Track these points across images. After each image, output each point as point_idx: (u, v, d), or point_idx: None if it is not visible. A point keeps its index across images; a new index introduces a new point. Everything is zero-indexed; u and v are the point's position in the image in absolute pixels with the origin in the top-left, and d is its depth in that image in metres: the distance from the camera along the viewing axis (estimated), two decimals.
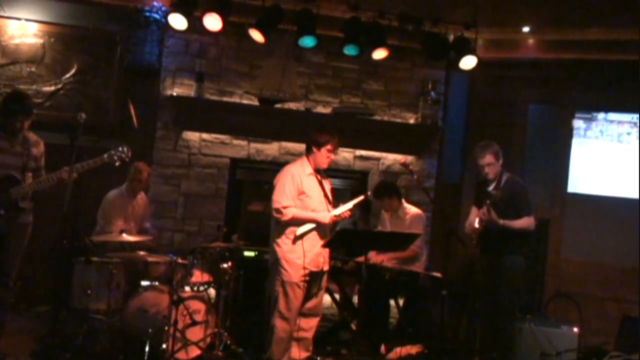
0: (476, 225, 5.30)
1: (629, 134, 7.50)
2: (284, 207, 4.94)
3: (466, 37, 6.69)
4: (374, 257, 5.88)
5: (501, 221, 5.12)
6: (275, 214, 4.98)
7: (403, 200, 6.21)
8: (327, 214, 5.06)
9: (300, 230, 4.99)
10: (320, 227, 5.07)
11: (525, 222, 5.23)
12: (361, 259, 5.78)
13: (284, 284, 4.99)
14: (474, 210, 5.51)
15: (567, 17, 6.64)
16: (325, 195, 5.17)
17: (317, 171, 5.18)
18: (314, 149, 5.12)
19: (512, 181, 5.31)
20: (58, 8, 6.83)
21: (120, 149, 4.91)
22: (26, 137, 4.88)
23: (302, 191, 5.03)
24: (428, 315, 6.16)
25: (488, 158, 5.29)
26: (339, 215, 5.06)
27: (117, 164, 4.92)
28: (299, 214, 4.98)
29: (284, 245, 5.02)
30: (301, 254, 4.98)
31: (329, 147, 5.10)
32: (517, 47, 7.28)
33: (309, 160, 5.16)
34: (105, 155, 4.87)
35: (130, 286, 5.35)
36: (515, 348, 5.54)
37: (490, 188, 5.34)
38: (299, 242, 4.99)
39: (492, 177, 5.35)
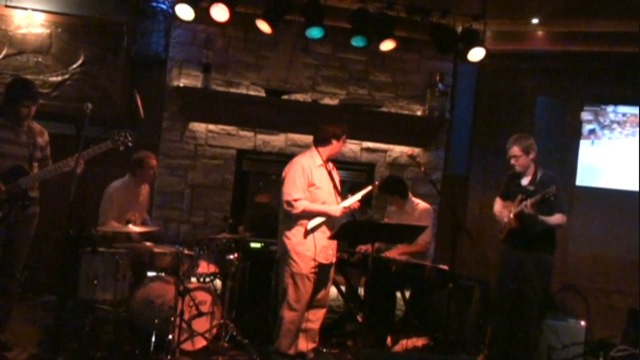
0: (505, 219, 5.27)
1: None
2: (295, 200, 4.91)
3: (474, 29, 6.66)
4: (388, 253, 5.88)
5: (540, 217, 5.09)
6: (286, 207, 4.95)
7: (410, 195, 6.17)
8: (337, 206, 5.04)
9: (312, 224, 4.96)
10: (329, 220, 5.05)
11: (559, 219, 5.19)
12: (366, 247, 5.81)
13: (294, 276, 4.97)
14: (499, 201, 5.48)
15: (576, 9, 6.60)
16: (335, 187, 5.15)
17: (326, 162, 5.17)
18: (334, 141, 5.12)
19: (548, 177, 5.26)
20: None
21: (123, 133, 4.90)
22: (30, 127, 4.87)
23: (312, 183, 5.00)
24: (434, 307, 6.15)
25: (514, 150, 5.28)
26: (348, 207, 5.05)
27: (121, 149, 4.91)
28: (310, 206, 4.95)
29: (294, 238, 4.99)
30: (311, 246, 4.96)
31: (344, 137, 5.18)
32: (525, 39, 7.24)
33: (318, 151, 5.13)
34: (110, 141, 4.85)
35: (137, 277, 5.34)
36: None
37: (525, 183, 5.31)
38: (309, 235, 4.98)
39: (519, 169, 5.33)
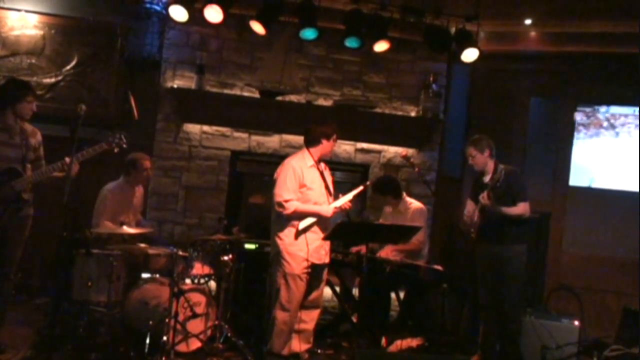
0: (475, 218, 5.33)
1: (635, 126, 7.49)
2: (286, 201, 4.93)
3: (468, 30, 6.67)
4: (381, 252, 5.89)
5: (498, 207, 5.17)
6: (277, 208, 4.97)
7: (404, 195, 6.19)
8: (329, 207, 5.06)
9: (303, 224, 4.99)
10: (321, 220, 5.07)
11: (520, 209, 5.28)
12: (360, 248, 5.82)
13: (286, 276, 4.99)
14: (469, 203, 5.54)
15: (570, 10, 6.62)
16: (327, 187, 5.16)
17: (318, 163, 5.18)
18: (324, 141, 5.16)
19: (508, 171, 5.33)
20: None
21: (117, 135, 4.89)
22: (23, 128, 4.86)
23: (304, 184, 5.03)
24: (429, 308, 6.16)
25: (469, 150, 5.44)
26: (340, 207, 5.07)
27: (115, 150, 4.90)
28: (302, 207, 4.98)
29: (286, 238, 5.01)
30: (303, 246, 4.98)
31: (335, 136, 5.21)
32: (519, 39, 7.26)
33: (310, 152, 5.15)
34: (104, 143, 4.85)
35: (131, 278, 5.33)
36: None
37: (487, 180, 5.37)
38: (300, 235, 4.99)
39: (478, 169, 5.47)
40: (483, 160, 5.41)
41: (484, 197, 5.15)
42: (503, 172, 5.19)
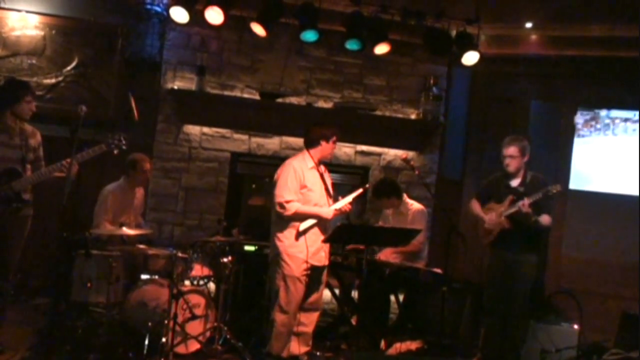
0: (494, 220, 5.26)
1: (634, 130, 7.48)
2: (287, 202, 4.93)
3: (469, 33, 6.68)
4: (382, 255, 5.89)
5: (535, 217, 5.08)
6: (278, 209, 4.97)
7: (405, 196, 6.19)
8: (329, 209, 5.05)
9: (303, 225, 4.98)
10: (321, 222, 5.06)
11: (548, 220, 5.19)
12: (355, 246, 5.82)
13: (286, 278, 4.98)
14: (477, 203, 5.48)
15: (570, 14, 6.63)
16: (326, 189, 5.16)
17: (318, 165, 5.18)
18: (323, 143, 5.14)
19: (539, 179, 5.25)
20: (59, 0, 6.81)
21: (117, 137, 4.89)
22: (23, 128, 4.87)
23: (304, 185, 5.02)
24: (428, 311, 6.15)
25: (512, 150, 5.23)
26: (340, 209, 5.07)
27: (115, 152, 4.90)
28: (302, 208, 4.97)
29: (286, 240, 5.01)
30: (303, 248, 4.97)
31: (334, 138, 5.18)
32: (519, 43, 7.27)
33: (310, 154, 5.15)
34: (104, 144, 4.85)
35: (130, 279, 5.33)
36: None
37: (515, 184, 5.29)
38: (301, 237, 4.99)
39: (511, 170, 5.27)
40: (520, 164, 5.26)
41: (524, 205, 4.98)
42: (532, 179, 5.11)
